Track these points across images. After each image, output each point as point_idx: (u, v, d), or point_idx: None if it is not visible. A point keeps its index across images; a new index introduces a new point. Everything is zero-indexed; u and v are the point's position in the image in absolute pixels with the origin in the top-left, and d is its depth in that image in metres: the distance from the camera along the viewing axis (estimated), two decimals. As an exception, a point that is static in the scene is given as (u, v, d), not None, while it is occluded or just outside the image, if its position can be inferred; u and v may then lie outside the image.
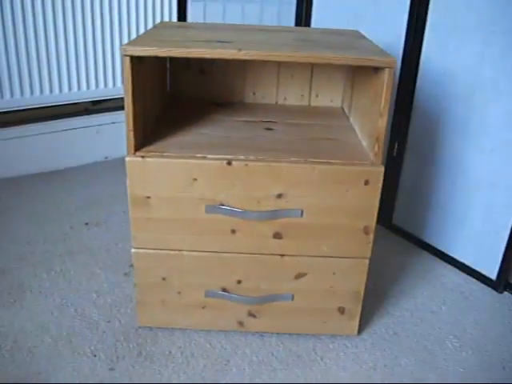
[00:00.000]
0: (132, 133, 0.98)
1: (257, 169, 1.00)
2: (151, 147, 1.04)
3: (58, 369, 1.05)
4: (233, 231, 1.05)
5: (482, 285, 1.40)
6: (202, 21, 1.77)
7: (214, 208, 1.03)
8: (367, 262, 1.09)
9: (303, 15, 1.72)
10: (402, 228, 1.63)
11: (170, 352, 1.12)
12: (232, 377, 1.06)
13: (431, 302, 1.33)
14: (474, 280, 1.42)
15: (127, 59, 0.93)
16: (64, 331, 1.16)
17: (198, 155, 1.01)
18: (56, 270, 1.37)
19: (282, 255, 1.08)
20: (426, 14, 1.40)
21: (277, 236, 1.06)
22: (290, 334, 1.18)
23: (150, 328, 1.18)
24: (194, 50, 0.93)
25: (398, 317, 1.27)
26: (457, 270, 1.46)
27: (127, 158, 1.00)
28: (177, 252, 1.08)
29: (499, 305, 1.33)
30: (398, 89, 1.52)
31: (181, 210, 1.03)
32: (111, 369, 1.06)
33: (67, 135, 1.95)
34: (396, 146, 1.57)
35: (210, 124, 1.20)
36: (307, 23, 1.74)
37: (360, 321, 1.16)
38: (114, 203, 1.72)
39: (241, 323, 1.16)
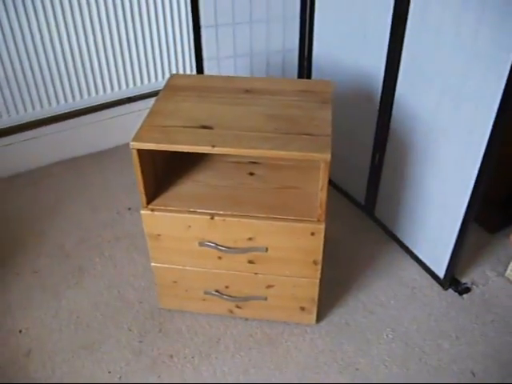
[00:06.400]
0: (144, 196, 1.38)
1: (232, 223, 1.38)
2: (158, 200, 1.43)
3: (105, 340, 1.57)
4: (219, 257, 1.47)
5: (433, 281, 1.73)
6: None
7: (204, 244, 1.44)
8: (317, 280, 1.48)
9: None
10: (380, 220, 1.96)
11: (181, 329, 1.60)
12: (218, 354, 1.53)
13: (384, 295, 1.70)
14: (428, 276, 1.75)
15: (135, 151, 1.30)
16: (110, 309, 1.66)
17: (191, 209, 1.40)
18: (105, 254, 1.86)
19: (255, 273, 1.49)
20: (400, 52, 1.61)
21: (251, 262, 1.46)
22: (268, 321, 1.62)
23: (169, 310, 1.65)
24: (178, 146, 1.28)
25: (352, 308, 1.66)
26: (417, 265, 1.79)
27: (142, 211, 1.41)
28: (181, 267, 1.52)
29: (439, 301, 1.67)
30: (379, 115, 1.77)
31: (181, 243, 1.45)
32: (140, 341, 1.57)
33: (114, 121, 2.35)
34: (377, 156, 1.86)
35: (204, 169, 1.56)
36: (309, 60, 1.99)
37: (318, 313, 1.57)
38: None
39: (231, 311, 1.61)
